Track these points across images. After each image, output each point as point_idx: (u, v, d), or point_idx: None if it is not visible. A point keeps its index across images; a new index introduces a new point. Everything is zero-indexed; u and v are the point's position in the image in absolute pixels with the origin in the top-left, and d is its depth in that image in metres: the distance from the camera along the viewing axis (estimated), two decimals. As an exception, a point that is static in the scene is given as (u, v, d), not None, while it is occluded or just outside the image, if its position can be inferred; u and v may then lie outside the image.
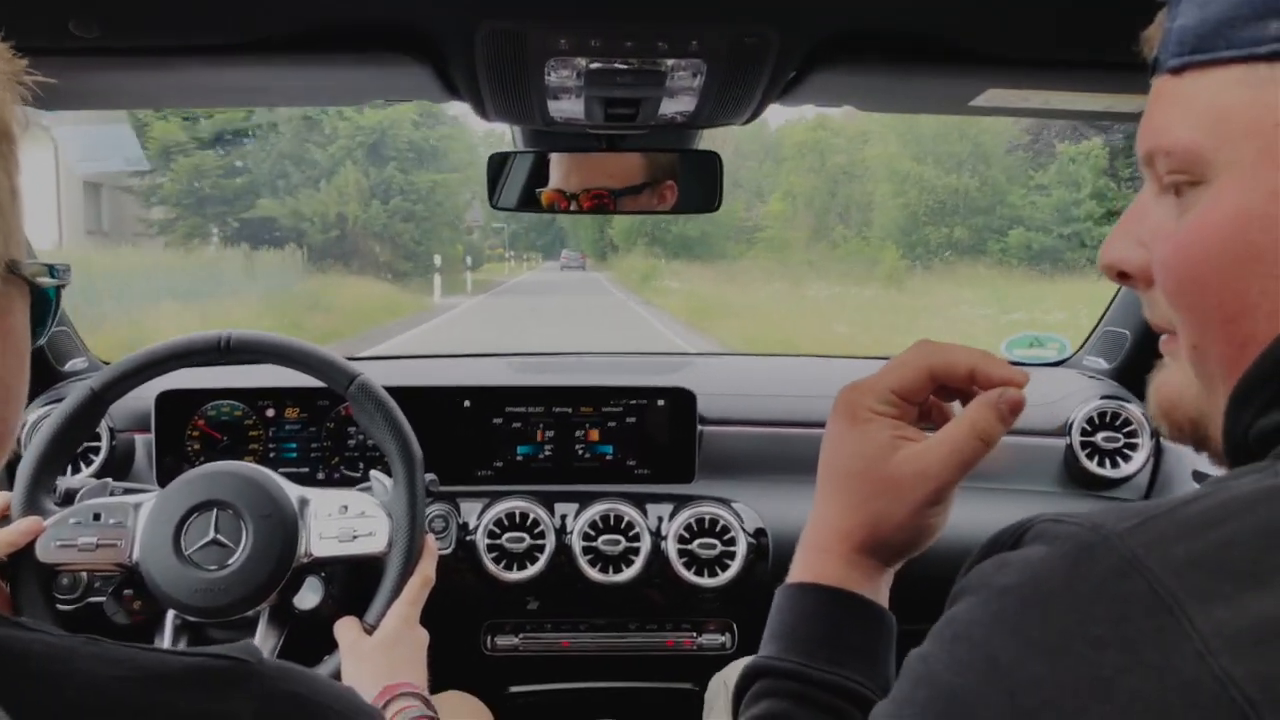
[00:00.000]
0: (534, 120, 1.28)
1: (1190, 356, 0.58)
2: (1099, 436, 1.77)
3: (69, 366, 1.86)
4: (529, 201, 1.51)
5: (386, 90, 1.25)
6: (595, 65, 1.08)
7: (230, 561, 1.27)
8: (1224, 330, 0.55)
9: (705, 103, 1.21)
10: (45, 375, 1.81)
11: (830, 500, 0.74)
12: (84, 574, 1.34)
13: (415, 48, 1.06)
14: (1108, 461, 1.77)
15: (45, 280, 0.64)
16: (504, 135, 1.43)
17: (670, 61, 1.07)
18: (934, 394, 0.74)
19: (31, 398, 1.75)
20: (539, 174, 1.49)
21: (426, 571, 1.30)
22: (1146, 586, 0.42)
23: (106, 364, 1.92)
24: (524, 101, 1.20)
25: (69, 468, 1.60)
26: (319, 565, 1.32)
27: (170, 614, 1.30)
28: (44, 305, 0.66)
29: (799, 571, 0.74)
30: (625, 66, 1.08)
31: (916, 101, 1.36)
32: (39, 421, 1.67)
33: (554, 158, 1.49)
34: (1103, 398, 1.80)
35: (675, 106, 1.23)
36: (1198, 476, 1.66)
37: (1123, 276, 0.61)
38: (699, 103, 1.21)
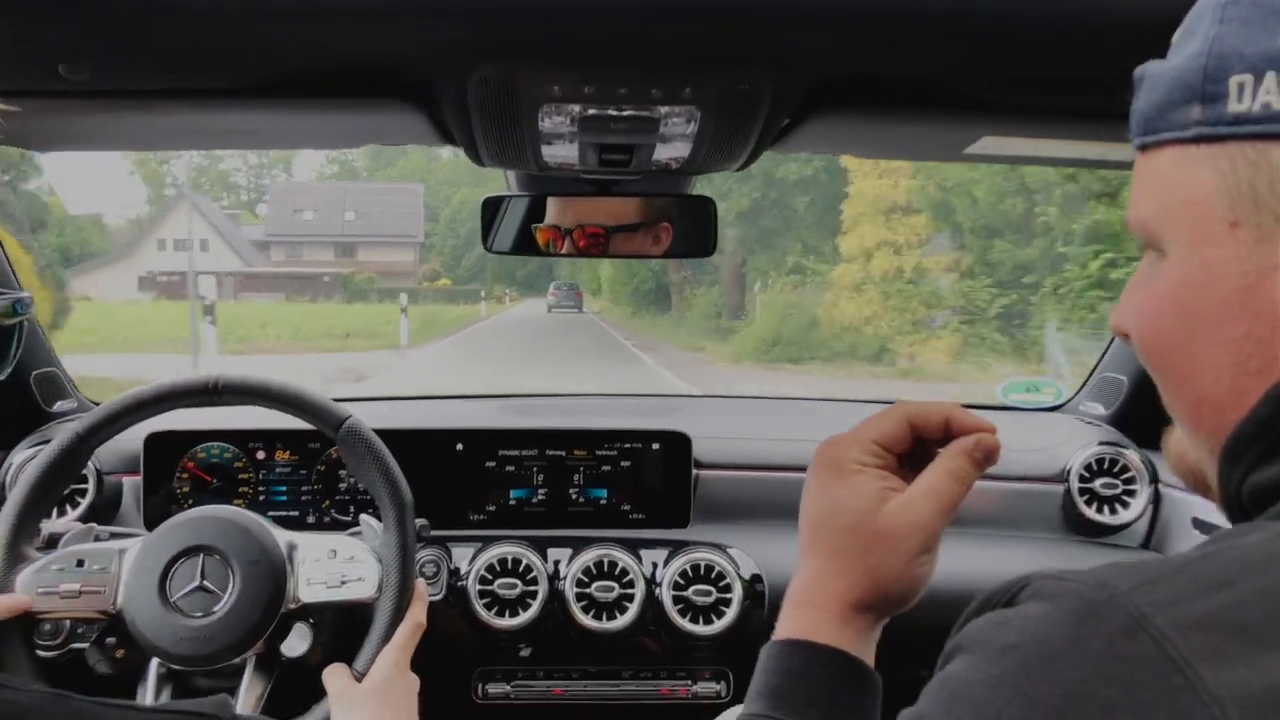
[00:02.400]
0: (528, 165, 1.28)
1: (1170, 413, 0.62)
2: (1097, 483, 1.76)
3: (57, 407, 1.84)
4: (524, 243, 1.51)
5: (379, 134, 1.25)
6: (589, 112, 1.08)
7: (216, 608, 1.25)
8: (1180, 392, 0.59)
9: (699, 149, 1.21)
10: (33, 416, 1.79)
11: (822, 556, 0.73)
12: (66, 620, 1.32)
13: (408, 93, 1.06)
14: (1106, 508, 1.75)
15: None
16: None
17: (664, 108, 1.07)
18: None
19: (19, 438, 1.74)
20: (534, 212, 1.49)
21: (417, 617, 1.28)
22: (1155, 647, 0.41)
23: (96, 404, 1.90)
24: (518, 147, 1.20)
25: (54, 510, 1.58)
26: (307, 611, 1.30)
27: (154, 662, 1.28)
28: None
29: (789, 628, 0.73)
30: (619, 113, 1.08)
31: (911, 148, 1.36)
32: (25, 463, 1.65)
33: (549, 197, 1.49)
34: (1101, 444, 1.79)
35: (669, 152, 1.23)
36: (1197, 524, 1.64)
37: (1127, 338, 0.64)
38: (693, 149, 1.21)
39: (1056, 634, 0.44)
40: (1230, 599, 0.42)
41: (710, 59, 0.98)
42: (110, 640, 1.29)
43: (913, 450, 0.76)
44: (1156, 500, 1.76)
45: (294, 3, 0.87)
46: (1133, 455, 1.77)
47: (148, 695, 1.26)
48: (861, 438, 0.74)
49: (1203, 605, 0.42)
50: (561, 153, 1.22)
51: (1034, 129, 1.17)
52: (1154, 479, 1.76)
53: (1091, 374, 2.02)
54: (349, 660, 1.25)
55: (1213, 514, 1.59)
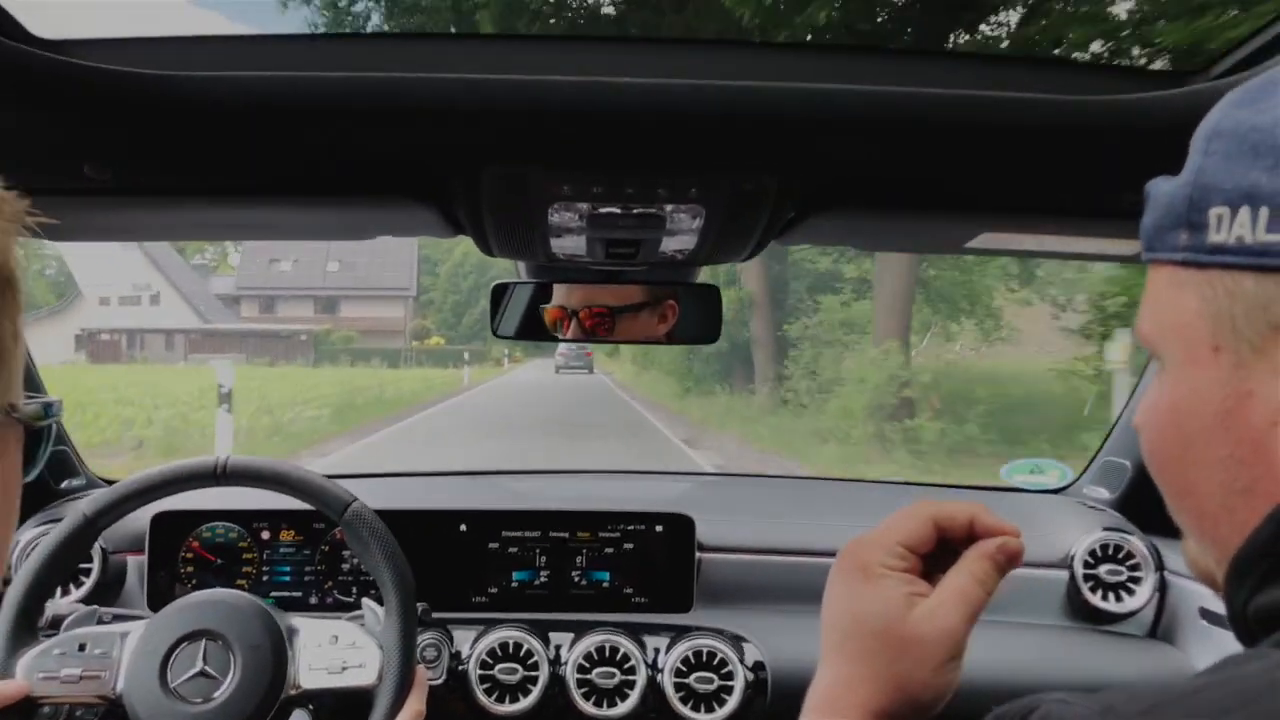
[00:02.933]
0: (537, 256, 1.31)
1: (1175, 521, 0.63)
2: (1102, 569, 1.75)
3: (65, 485, 1.85)
4: (531, 326, 1.53)
5: (392, 227, 1.28)
6: (597, 209, 1.10)
7: (216, 694, 1.24)
8: (1181, 504, 0.61)
9: (704, 243, 1.23)
10: (42, 494, 1.80)
11: (848, 661, 0.71)
12: (65, 705, 1.31)
13: (422, 189, 1.08)
14: (1111, 595, 1.74)
15: (40, 422, 0.65)
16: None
17: (670, 206, 1.10)
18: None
19: (27, 516, 1.74)
20: (541, 295, 1.52)
21: (417, 706, 1.27)
22: None
23: (105, 481, 1.91)
24: (527, 240, 1.22)
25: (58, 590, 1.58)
26: (307, 698, 1.29)
27: None
28: (36, 441, 0.66)
29: None
30: (626, 211, 1.11)
31: (912, 242, 1.38)
32: (33, 542, 1.65)
33: (555, 278, 1.50)
34: (1105, 529, 1.78)
35: (675, 245, 1.25)
36: (1205, 614, 1.63)
37: None
38: (698, 243, 1.23)
39: None
40: None
41: (716, 162, 1.01)
42: None
43: (936, 550, 0.75)
44: (1163, 588, 1.74)
45: (311, 105, 0.90)
46: (1137, 542, 1.76)
47: None
48: (887, 541, 0.73)
49: None
50: (570, 245, 1.25)
51: (1034, 225, 1.20)
52: (1159, 566, 1.75)
53: (1095, 457, 2.02)
54: None
55: (1221, 604, 1.57)
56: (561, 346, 31.04)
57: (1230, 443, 0.55)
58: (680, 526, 1.72)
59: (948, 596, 0.70)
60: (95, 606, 1.37)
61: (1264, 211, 0.51)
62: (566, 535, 1.72)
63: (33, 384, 1.42)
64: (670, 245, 1.26)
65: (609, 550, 1.72)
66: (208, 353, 33.63)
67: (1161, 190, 0.59)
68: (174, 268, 38.65)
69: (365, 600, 1.39)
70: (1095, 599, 1.73)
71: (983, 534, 0.73)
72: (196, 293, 39.46)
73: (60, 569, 1.33)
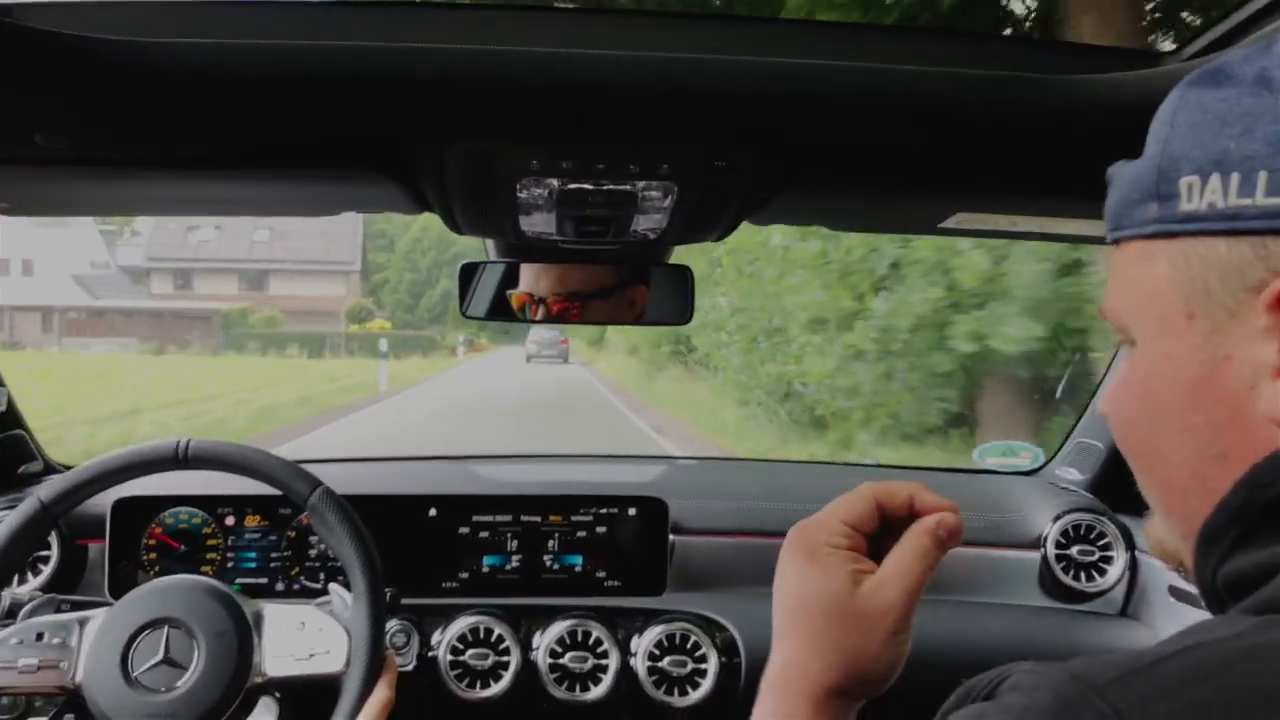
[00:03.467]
0: (505, 234, 1.28)
1: (1144, 497, 0.64)
2: (1074, 549, 1.76)
3: (22, 470, 1.81)
4: (499, 308, 1.51)
5: (356, 203, 1.25)
6: (567, 185, 1.08)
7: (180, 683, 1.22)
8: (1149, 476, 0.62)
9: (676, 221, 1.21)
10: None
11: (798, 639, 0.73)
12: (23, 696, 1.28)
13: (387, 164, 1.06)
14: (1083, 575, 1.75)
15: None
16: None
17: (641, 183, 1.08)
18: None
19: None
20: (509, 278, 1.49)
21: (386, 693, 1.26)
22: None
23: (63, 466, 1.87)
24: (495, 217, 1.20)
25: (15, 578, 1.54)
26: (274, 685, 1.27)
27: None
28: None
29: (764, 714, 0.72)
30: (596, 187, 1.09)
31: (886, 222, 1.37)
32: None
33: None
34: (1077, 510, 1.79)
35: (646, 224, 1.23)
36: (1174, 591, 1.64)
37: None
38: (670, 221, 1.22)
39: None
40: (1197, 697, 0.43)
41: (688, 138, 0.99)
42: (69, 717, 1.25)
43: (880, 529, 0.77)
44: (1134, 567, 1.76)
45: (272, 74, 0.88)
46: (1108, 522, 1.77)
47: None
48: (831, 520, 0.75)
49: (1172, 703, 0.43)
50: (539, 223, 1.23)
51: (1008, 205, 1.19)
52: (1130, 546, 1.76)
53: (1067, 439, 2.03)
54: None
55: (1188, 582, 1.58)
56: (533, 332, 28.70)
57: (1205, 409, 0.56)
58: (653, 509, 1.70)
59: (891, 572, 0.72)
60: (53, 594, 1.34)
61: (1235, 177, 0.53)
62: (538, 519, 1.70)
63: None
64: (642, 224, 1.24)
65: (581, 534, 1.70)
66: (90, 336, 29.35)
67: (1125, 170, 0.61)
68: (54, 234, 31.95)
69: (333, 585, 1.36)
70: (1067, 579, 1.74)
71: (922, 511, 0.75)
72: (79, 263, 32.08)
73: (15, 557, 1.30)
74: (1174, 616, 1.64)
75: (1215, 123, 0.54)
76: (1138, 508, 0.65)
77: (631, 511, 1.70)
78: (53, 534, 1.60)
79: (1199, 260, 0.55)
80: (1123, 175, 0.61)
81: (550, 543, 1.70)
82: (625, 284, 1.50)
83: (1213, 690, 0.43)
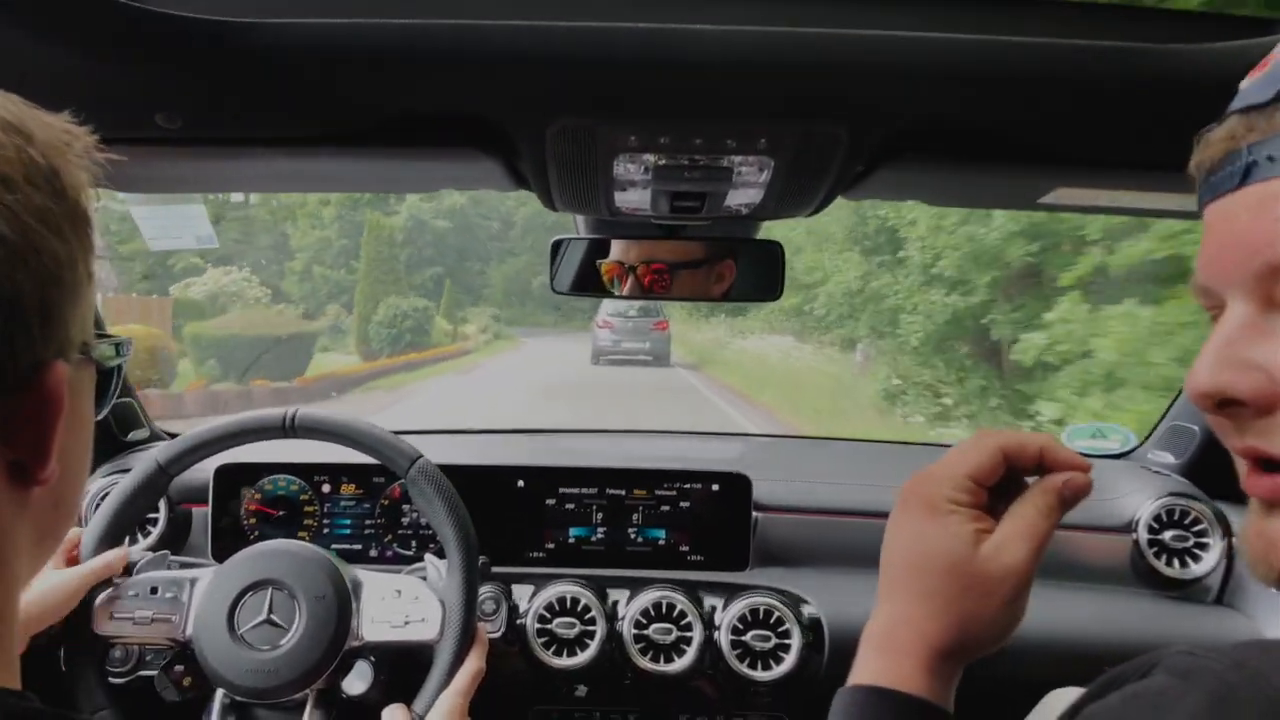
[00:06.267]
0: (599, 210, 1.29)
1: None
2: (1167, 535, 1.72)
3: (131, 436, 1.89)
4: (588, 279, 1.52)
5: (456, 180, 1.27)
6: (663, 161, 1.09)
7: (282, 642, 1.27)
8: None
9: (770, 196, 1.21)
10: (108, 445, 1.84)
11: (912, 598, 0.70)
12: (136, 647, 1.34)
13: (487, 141, 1.07)
14: (1176, 561, 1.71)
15: (112, 360, 0.66)
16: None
17: (738, 158, 1.08)
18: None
19: (95, 467, 1.78)
20: (599, 249, 1.51)
21: (478, 663, 1.29)
22: None
23: (168, 435, 1.95)
24: (591, 193, 1.21)
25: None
26: (370, 650, 1.31)
27: (219, 693, 1.30)
28: (107, 380, 0.67)
29: (870, 673, 0.70)
30: (693, 162, 1.09)
31: (984, 197, 1.35)
32: (102, 492, 1.69)
33: (612, 231, 1.45)
34: (1170, 494, 1.75)
35: (740, 199, 1.23)
36: None
37: (1226, 404, 0.56)
38: (764, 196, 1.21)
39: (1195, 717, 0.43)
40: None
41: (785, 112, 0.99)
42: (178, 669, 1.31)
43: (1002, 485, 0.73)
44: (1230, 554, 1.71)
45: (379, 54, 0.89)
46: (1204, 507, 1.73)
47: None
48: (955, 473, 0.71)
49: None
50: (634, 199, 1.24)
51: (1110, 180, 1.16)
52: (1227, 532, 1.71)
53: (1160, 422, 1.98)
54: (408, 700, 1.26)
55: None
56: (606, 312, 19.89)
57: None
58: (737, 485, 1.71)
59: (1014, 532, 0.68)
60: (165, 553, 1.40)
61: None
62: (623, 493, 1.72)
63: (98, 323, 1.43)
64: (736, 199, 1.23)
65: (665, 508, 1.72)
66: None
67: None
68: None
69: (428, 556, 1.40)
70: (1160, 565, 1.71)
71: (1052, 466, 0.71)
72: None
73: (133, 514, 1.37)
74: (1275, 606, 1.59)
75: None
76: (1234, 494, 0.61)
77: (715, 487, 1.71)
78: (161, 498, 1.66)
79: None
80: None
81: (635, 516, 1.72)
82: (714, 258, 1.50)
83: None
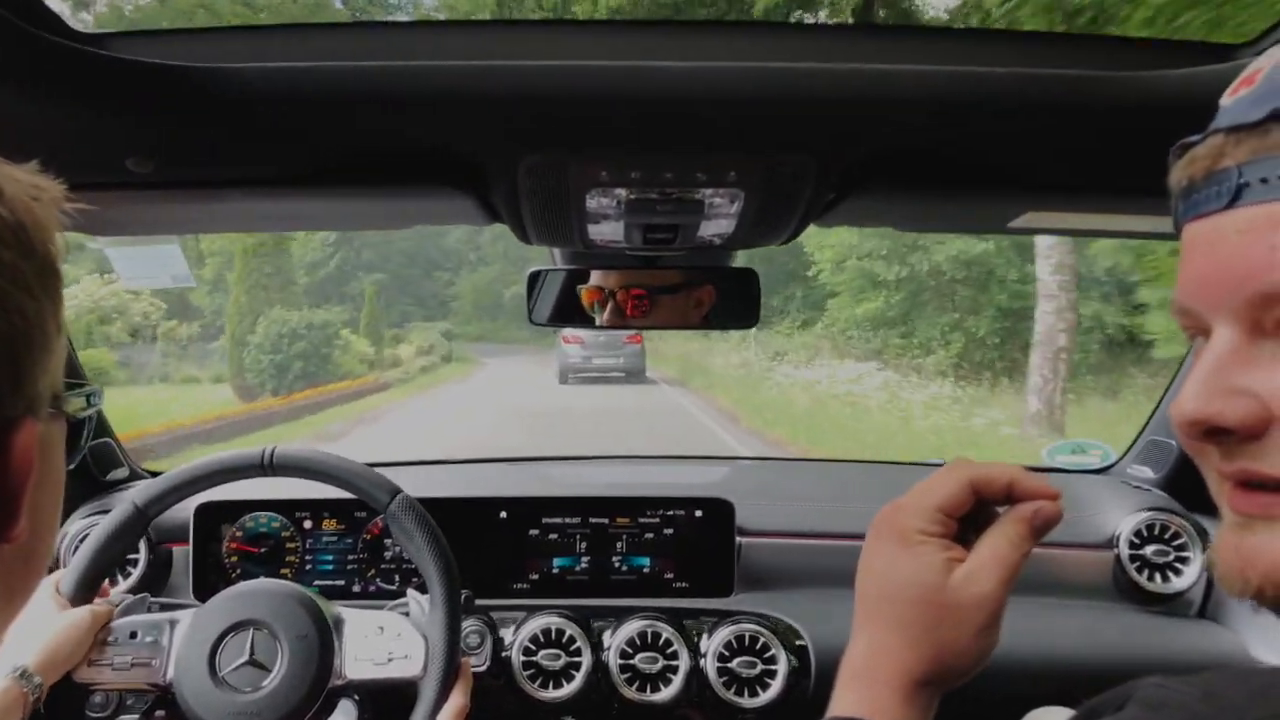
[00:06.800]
0: (573, 243, 1.30)
1: None
2: (1148, 549, 1.73)
3: (111, 476, 1.88)
4: (567, 308, 1.52)
5: (429, 216, 1.27)
6: (634, 195, 1.09)
7: (265, 684, 1.26)
8: None
9: (742, 226, 1.22)
10: (88, 485, 1.83)
11: (886, 628, 0.71)
12: (117, 692, 1.33)
13: (460, 178, 1.08)
14: (1158, 575, 1.72)
15: (83, 412, 0.66)
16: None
17: (708, 190, 1.09)
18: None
19: (74, 508, 1.77)
20: (578, 276, 1.51)
21: (462, 699, 1.28)
22: None
23: (149, 473, 1.94)
24: (565, 227, 1.22)
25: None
26: (353, 688, 1.30)
27: None
28: (78, 431, 0.67)
29: (849, 705, 0.70)
30: (664, 195, 1.10)
31: (954, 222, 1.36)
32: (82, 533, 1.68)
33: (591, 260, 1.44)
34: (1150, 509, 1.76)
35: (713, 230, 1.24)
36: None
37: (1214, 433, 0.56)
38: (737, 226, 1.22)
39: None
40: None
41: (755, 145, 1.00)
42: (159, 714, 1.30)
43: (972, 515, 0.74)
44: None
45: (349, 97, 0.90)
46: (1183, 521, 1.74)
47: None
48: (925, 505, 0.72)
49: None
50: (607, 231, 1.24)
51: (1079, 204, 1.17)
52: (1207, 545, 1.72)
53: (1139, 437, 1.99)
54: None
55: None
56: (573, 330, 14.36)
57: None
58: (720, 511, 1.71)
59: (985, 561, 0.69)
60: (145, 595, 1.39)
61: None
62: (606, 521, 1.72)
63: (72, 369, 1.43)
64: (708, 230, 1.25)
65: (649, 536, 1.71)
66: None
67: None
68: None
69: (410, 591, 1.40)
70: (1142, 579, 1.71)
71: (1021, 497, 0.72)
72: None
73: (111, 557, 1.36)
74: (1255, 619, 1.60)
75: None
76: (1213, 508, 0.61)
77: (698, 513, 1.72)
78: (140, 540, 1.65)
79: None
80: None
81: (619, 544, 1.71)
82: (695, 282, 1.51)
83: None
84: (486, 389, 18.45)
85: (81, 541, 1.38)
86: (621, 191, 1.09)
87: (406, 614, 1.35)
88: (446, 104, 0.92)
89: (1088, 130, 0.98)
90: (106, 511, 1.42)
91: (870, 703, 0.69)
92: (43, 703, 1.17)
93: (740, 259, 1.54)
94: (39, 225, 0.57)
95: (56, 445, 0.64)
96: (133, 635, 1.31)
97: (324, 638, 1.29)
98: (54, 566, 1.37)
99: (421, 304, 31.80)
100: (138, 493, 1.36)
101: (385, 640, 1.31)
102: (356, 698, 1.30)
